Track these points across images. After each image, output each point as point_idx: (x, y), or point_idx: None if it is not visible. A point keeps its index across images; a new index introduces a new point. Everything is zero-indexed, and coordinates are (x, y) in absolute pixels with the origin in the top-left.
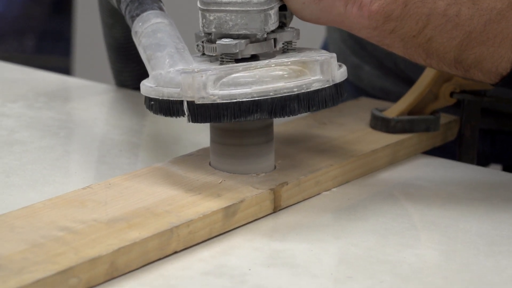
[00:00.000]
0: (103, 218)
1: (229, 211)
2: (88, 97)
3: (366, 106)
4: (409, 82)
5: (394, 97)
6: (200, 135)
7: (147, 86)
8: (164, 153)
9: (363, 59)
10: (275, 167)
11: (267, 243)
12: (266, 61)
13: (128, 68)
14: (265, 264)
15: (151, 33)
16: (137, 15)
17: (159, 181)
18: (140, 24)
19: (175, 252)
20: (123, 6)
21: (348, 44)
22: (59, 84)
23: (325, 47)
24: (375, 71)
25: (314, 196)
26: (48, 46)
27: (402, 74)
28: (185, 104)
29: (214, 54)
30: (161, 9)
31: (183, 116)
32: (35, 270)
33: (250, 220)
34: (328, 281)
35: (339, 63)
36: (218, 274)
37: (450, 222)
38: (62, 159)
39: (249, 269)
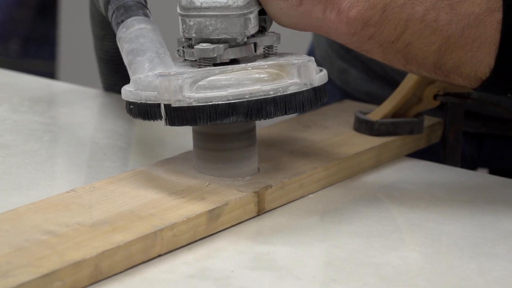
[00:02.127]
0: (87, 221)
1: (213, 214)
2: (72, 101)
3: (350, 109)
4: (396, 85)
5: (381, 101)
6: (184, 138)
7: (126, 91)
8: (149, 156)
9: (349, 62)
10: (258, 170)
11: (251, 246)
12: (243, 65)
13: (120, 83)
14: (249, 267)
15: (134, 38)
16: (122, 21)
17: (143, 184)
18: (124, 30)
19: (159, 255)
20: (109, 13)
21: (334, 48)
22: (43, 88)
23: (311, 51)
24: (361, 74)
25: (298, 199)
26: (33, 50)
27: (388, 77)
28: (162, 107)
29: (193, 59)
30: (146, 15)
31: (161, 120)
32: (19, 274)
33: (234, 223)
34: (312, 284)
35: (320, 68)
36: (202, 277)
37: (434, 225)
38: (46, 163)
39: (232, 271)
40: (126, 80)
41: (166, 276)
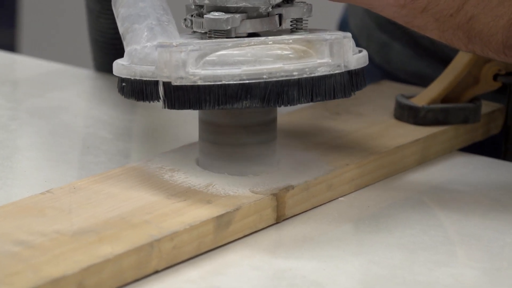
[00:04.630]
0: (68, 229)
1: (221, 221)
2: (44, 81)
3: (389, 91)
4: (449, 63)
5: (430, 83)
6: (185, 128)
7: (119, 64)
8: (142, 151)
9: (392, 35)
10: (277, 167)
11: (269, 260)
12: (262, 38)
13: None
14: (267, 286)
15: (132, 2)
16: None
17: (136, 184)
18: None
19: (156, 272)
20: None
21: (373, 17)
22: (6, 64)
23: (344, 21)
24: (407, 50)
25: (326, 203)
26: None
27: (441, 54)
28: (160, 85)
29: (202, 31)
30: None
31: (158, 101)
32: None
33: (248, 233)
34: None
35: (359, 48)
36: None
37: (494, 235)
38: (13, 157)
39: None
40: None
41: None
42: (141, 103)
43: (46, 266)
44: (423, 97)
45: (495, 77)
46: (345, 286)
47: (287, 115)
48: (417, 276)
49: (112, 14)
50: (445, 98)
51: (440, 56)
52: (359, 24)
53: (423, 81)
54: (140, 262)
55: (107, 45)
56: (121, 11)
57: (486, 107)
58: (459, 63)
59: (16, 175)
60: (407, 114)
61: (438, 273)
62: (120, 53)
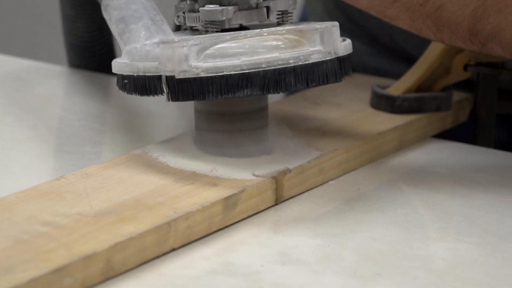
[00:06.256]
0: (89, 211)
1: (229, 203)
2: (18, 76)
3: (362, 83)
4: (409, 60)
5: (389, 78)
6: (173, 117)
7: (120, 63)
8: (136, 140)
9: (352, 34)
10: (270, 153)
11: (276, 238)
12: (258, 30)
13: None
14: (278, 261)
15: (124, 5)
16: None
17: (143, 169)
18: None
19: (173, 250)
20: None
21: (333, 17)
22: None
23: (304, 20)
24: (367, 48)
25: (318, 186)
26: None
27: (400, 51)
28: (163, 79)
29: (197, 24)
30: None
31: (162, 94)
32: (26, 269)
33: (251, 214)
34: (353, 279)
35: (343, 37)
36: (228, 273)
37: (480, 213)
38: (15, 149)
39: (262, 266)
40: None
41: (185, 272)
42: (128, 97)
43: (76, 244)
44: (398, 87)
45: (465, 68)
46: (351, 260)
47: (270, 105)
48: (416, 251)
49: (88, 18)
50: (419, 88)
51: (398, 53)
52: None
53: (383, 77)
54: (159, 240)
55: (82, 49)
56: (114, 14)
57: (455, 96)
58: (431, 54)
59: (21, 165)
60: (384, 103)
61: (435, 248)
62: (95, 55)
